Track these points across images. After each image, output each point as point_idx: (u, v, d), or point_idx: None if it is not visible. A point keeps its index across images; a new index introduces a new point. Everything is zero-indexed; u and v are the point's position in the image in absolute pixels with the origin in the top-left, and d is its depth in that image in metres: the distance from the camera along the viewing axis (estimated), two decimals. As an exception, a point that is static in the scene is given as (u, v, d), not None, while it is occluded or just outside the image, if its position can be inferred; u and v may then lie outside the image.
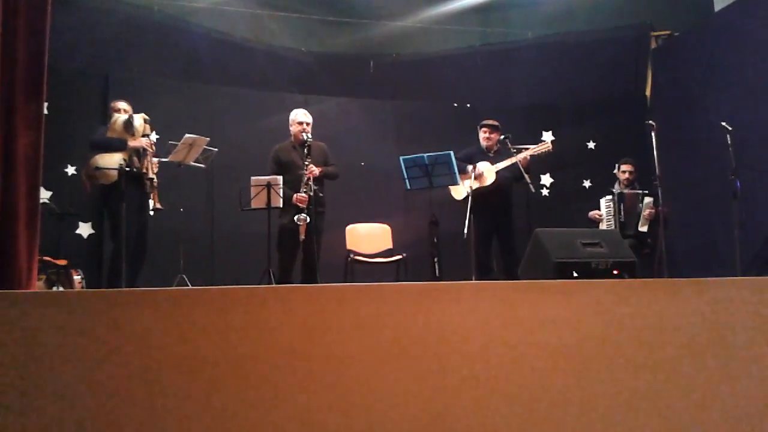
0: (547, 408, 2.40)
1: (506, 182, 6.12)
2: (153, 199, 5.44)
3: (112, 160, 5.24)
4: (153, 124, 6.44)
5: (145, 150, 5.37)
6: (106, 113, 5.72)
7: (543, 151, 6.12)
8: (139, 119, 5.43)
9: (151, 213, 5.60)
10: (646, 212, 6.24)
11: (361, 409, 2.30)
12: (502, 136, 6.20)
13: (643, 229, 6.25)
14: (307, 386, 2.27)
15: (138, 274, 5.42)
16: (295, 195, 5.62)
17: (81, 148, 5.72)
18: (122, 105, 5.60)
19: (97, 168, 5.24)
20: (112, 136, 5.38)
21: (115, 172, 5.20)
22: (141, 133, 5.40)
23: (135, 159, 5.34)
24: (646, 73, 8.40)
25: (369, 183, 7.59)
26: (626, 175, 6.52)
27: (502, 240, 6.16)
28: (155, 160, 5.51)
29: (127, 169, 5.20)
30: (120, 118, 5.40)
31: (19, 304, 2.17)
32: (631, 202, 6.35)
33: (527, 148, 6.08)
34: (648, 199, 6.25)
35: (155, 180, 5.41)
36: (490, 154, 6.23)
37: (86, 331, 2.18)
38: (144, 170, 5.34)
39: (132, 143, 5.35)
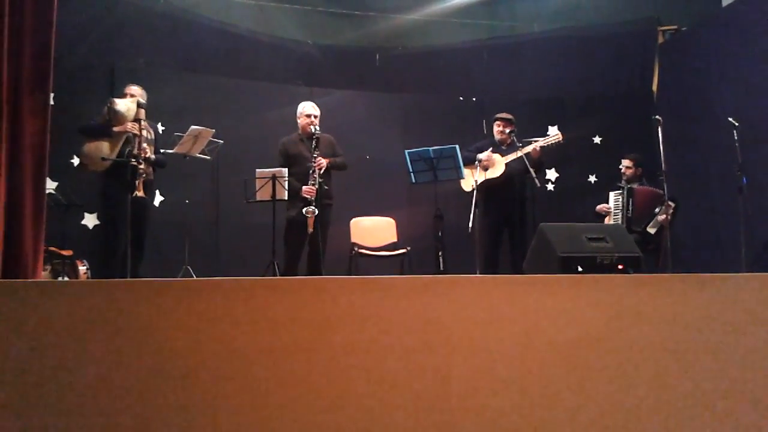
0: (550, 402, 2.41)
1: (516, 175, 6.07)
2: (137, 187, 5.03)
3: (98, 148, 5.12)
4: (158, 115, 6.43)
5: (134, 136, 5.14)
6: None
7: (554, 142, 6.09)
8: (124, 103, 5.22)
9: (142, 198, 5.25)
10: (662, 217, 6.06)
11: (363, 402, 2.30)
12: (508, 130, 6.17)
13: (652, 230, 6.17)
14: (310, 378, 2.28)
15: (138, 263, 5.28)
16: (303, 187, 5.62)
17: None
18: (131, 89, 5.44)
19: (83, 155, 5.15)
20: (97, 122, 5.24)
21: (106, 161, 5.08)
22: (131, 119, 5.18)
23: (132, 146, 5.14)
24: (652, 67, 8.38)
25: (374, 176, 7.58)
26: (622, 169, 6.52)
27: (513, 234, 6.11)
28: (145, 146, 5.19)
29: (117, 158, 5.08)
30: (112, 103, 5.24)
31: (24, 294, 2.17)
32: (648, 200, 6.25)
33: (536, 141, 6.05)
34: (670, 204, 6.00)
35: (141, 167, 5.05)
36: (503, 147, 6.18)
37: (91, 321, 2.19)
38: (133, 156, 5.06)
39: (117, 128, 5.15)
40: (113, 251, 5.19)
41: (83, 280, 5.33)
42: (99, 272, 5.49)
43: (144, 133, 5.23)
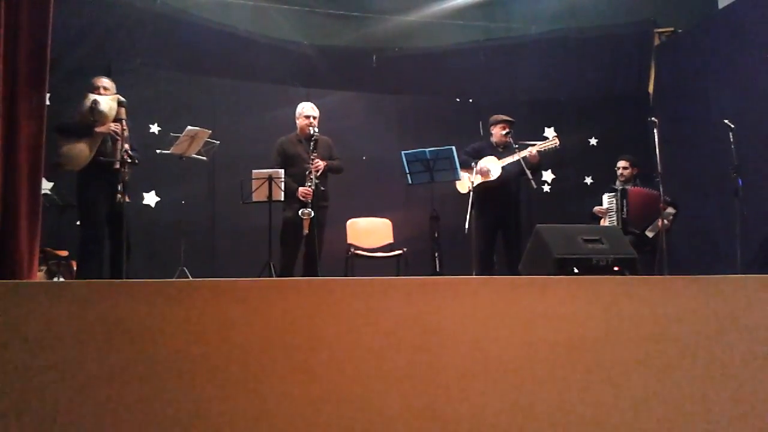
0: (546, 403, 2.41)
1: (512, 177, 6.07)
2: (120, 192, 4.76)
3: (76, 148, 4.88)
4: (154, 115, 6.42)
5: (114, 136, 4.92)
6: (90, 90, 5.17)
7: (550, 147, 6.08)
8: (107, 102, 5.00)
9: (123, 202, 4.99)
10: (660, 222, 6.03)
11: (360, 403, 2.30)
12: (505, 131, 6.17)
13: (650, 234, 6.15)
14: (306, 378, 2.28)
15: (121, 266, 4.94)
16: (299, 188, 5.62)
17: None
18: (103, 82, 5.17)
19: (61, 155, 4.90)
20: (77, 121, 4.99)
21: (83, 160, 4.88)
22: (112, 118, 4.96)
23: (109, 145, 4.95)
24: (649, 69, 8.39)
25: (370, 177, 7.59)
26: (620, 170, 6.50)
27: (507, 235, 6.12)
28: (127, 146, 4.89)
29: (99, 156, 4.91)
30: (88, 100, 4.99)
31: (19, 294, 2.17)
32: (644, 201, 6.23)
33: (533, 144, 6.04)
34: (670, 210, 6.07)
35: (123, 170, 4.76)
36: (500, 149, 6.18)
37: (86, 322, 2.18)
38: (114, 158, 4.84)
39: (99, 129, 4.94)
40: (92, 254, 5.01)
41: (79, 281, 5.30)
42: (79, 275, 5.14)
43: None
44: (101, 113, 4.97)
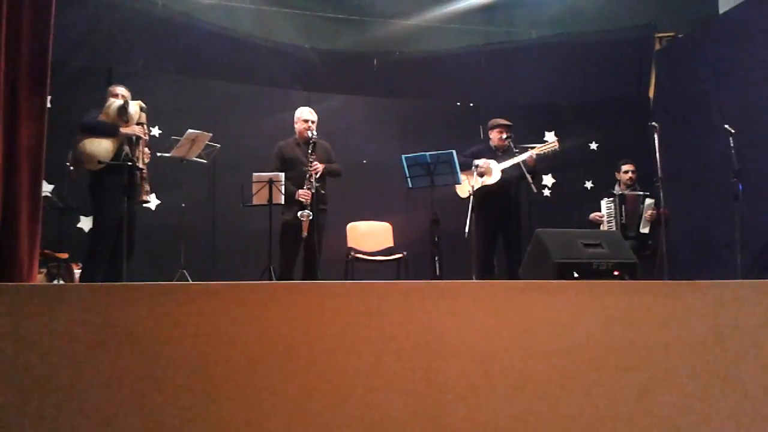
0: (546, 409, 2.41)
1: (512, 181, 6.08)
2: (142, 191, 5.06)
3: (101, 147, 4.94)
4: (155, 118, 6.41)
5: (138, 138, 5.03)
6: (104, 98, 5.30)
7: (550, 149, 6.10)
8: (134, 105, 5.13)
9: (146, 203, 5.39)
10: (647, 213, 6.25)
11: (359, 407, 2.30)
12: (505, 136, 6.18)
13: (645, 230, 6.27)
14: (305, 382, 2.28)
15: (121, 268, 4.99)
16: (299, 191, 5.63)
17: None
18: (121, 90, 5.28)
19: (83, 153, 4.94)
20: (104, 121, 5.05)
21: (105, 159, 4.93)
22: (136, 121, 5.09)
23: (126, 147, 5.02)
24: (649, 74, 8.41)
25: (371, 181, 7.59)
26: (629, 174, 6.52)
27: (507, 239, 6.13)
28: (147, 150, 5.15)
29: (114, 161, 4.97)
30: (115, 102, 5.09)
31: (19, 297, 2.17)
32: (632, 204, 6.35)
33: (533, 147, 6.06)
34: (649, 201, 6.29)
35: (145, 171, 5.03)
36: (499, 153, 6.19)
37: (86, 324, 2.18)
38: (135, 159, 4.98)
39: (124, 130, 5.01)
40: (100, 254, 5.03)
41: (79, 284, 5.30)
42: (85, 276, 5.18)
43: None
44: (129, 114, 5.07)
